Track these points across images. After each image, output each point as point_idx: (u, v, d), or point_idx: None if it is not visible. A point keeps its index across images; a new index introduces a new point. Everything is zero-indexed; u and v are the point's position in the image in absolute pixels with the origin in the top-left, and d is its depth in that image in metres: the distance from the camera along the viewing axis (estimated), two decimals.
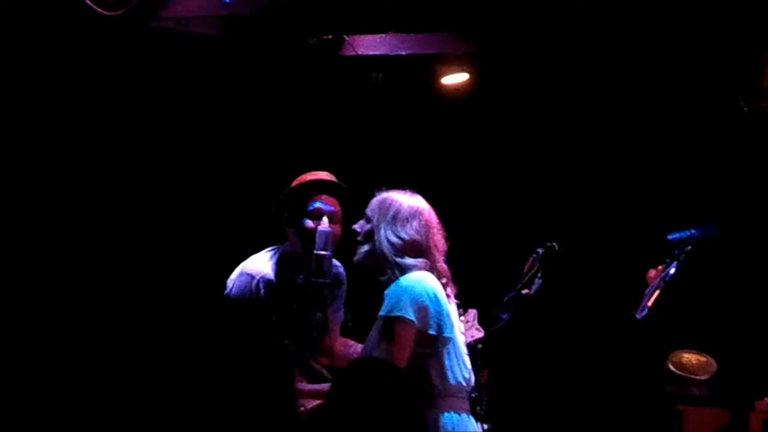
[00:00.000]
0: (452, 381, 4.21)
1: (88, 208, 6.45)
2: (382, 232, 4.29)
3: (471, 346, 4.55)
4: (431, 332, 4.18)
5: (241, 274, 4.84)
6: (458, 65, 6.70)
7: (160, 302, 6.38)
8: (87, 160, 6.45)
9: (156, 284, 6.44)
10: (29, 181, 6.30)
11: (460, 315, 4.59)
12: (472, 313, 4.62)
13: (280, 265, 4.82)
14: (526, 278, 4.97)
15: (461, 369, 4.27)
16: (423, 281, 4.21)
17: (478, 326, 4.58)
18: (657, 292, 5.34)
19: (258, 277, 4.80)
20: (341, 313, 4.83)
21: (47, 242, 6.34)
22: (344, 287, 4.86)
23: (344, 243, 4.67)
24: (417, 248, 4.28)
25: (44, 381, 6.33)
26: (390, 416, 4.03)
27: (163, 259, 6.49)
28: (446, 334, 4.22)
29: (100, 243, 6.46)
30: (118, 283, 6.47)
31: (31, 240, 6.31)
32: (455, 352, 4.25)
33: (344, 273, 4.84)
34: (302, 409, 4.51)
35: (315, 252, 4.66)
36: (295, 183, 4.86)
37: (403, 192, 4.40)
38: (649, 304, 5.34)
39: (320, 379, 4.68)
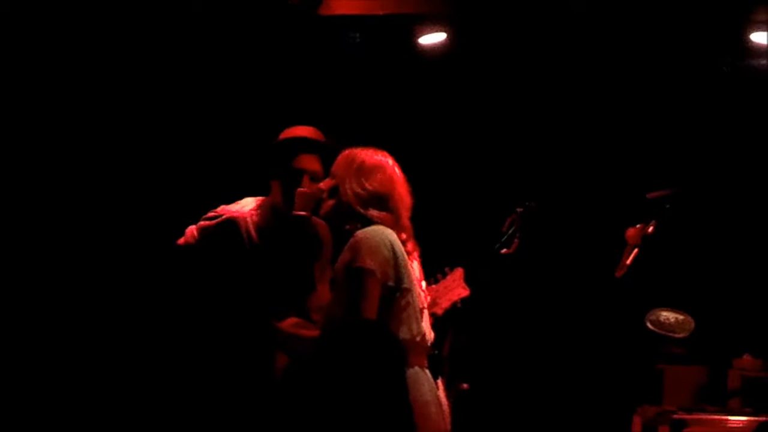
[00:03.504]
0: (408, 335, 4.21)
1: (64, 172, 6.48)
2: (347, 184, 4.32)
3: (455, 305, 4.56)
4: (389, 283, 4.19)
5: (221, 217, 4.83)
6: (436, 25, 6.67)
7: (141, 255, 6.41)
8: (61, 125, 6.47)
9: (139, 238, 6.46)
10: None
11: (446, 273, 4.61)
12: (459, 271, 4.62)
13: (261, 215, 4.83)
14: (505, 237, 4.98)
15: (417, 323, 4.27)
16: (380, 232, 4.22)
17: (464, 285, 4.59)
18: (635, 251, 5.38)
19: (230, 219, 4.80)
20: (329, 270, 4.83)
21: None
22: (330, 245, 4.85)
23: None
24: (382, 201, 4.31)
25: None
26: (373, 374, 4.07)
27: (146, 214, 6.50)
28: (404, 286, 4.22)
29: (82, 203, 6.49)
30: (101, 242, 6.50)
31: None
32: (412, 306, 4.25)
33: (328, 232, 4.83)
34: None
35: (294, 212, 4.67)
36: (280, 136, 4.85)
37: (367, 148, 4.41)
38: (628, 262, 5.37)
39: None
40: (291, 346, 4.51)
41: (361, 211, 4.29)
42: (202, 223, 4.86)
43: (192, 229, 4.86)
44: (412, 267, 4.32)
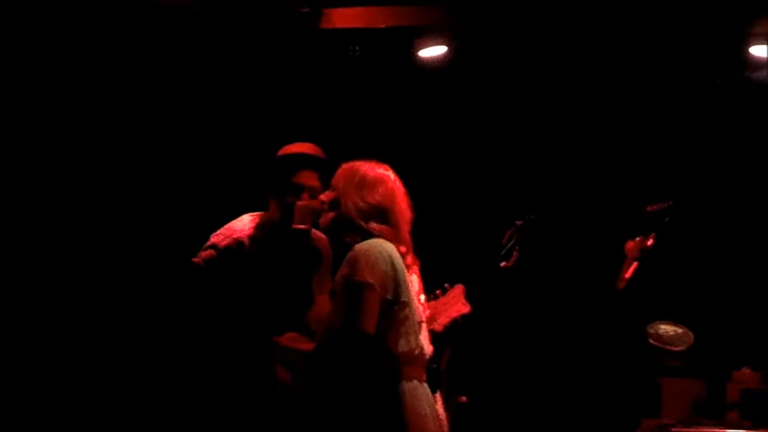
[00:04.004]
0: (406, 348, 4.22)
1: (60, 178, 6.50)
2: (348, 197, 4.33)
3: (455, 321, 4.56)
4: (388, 297, 4.19)
5: (222, 229, 4.85)
6: (436, 38, 6.69)
7: (141, 270, 6.42)
8: (57, 131, 6.48)
9: (137, 253, 6.47)
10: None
11: (446, 289, 4.61)
12: (459, 288, 4.62)
13: (259, 230, 4.84)
14: (505, 251, 4.99)
15: (416, 337, 4.28)
16: (379, 245, 4.23)
17: (464, 301, 4.59)
18: (635, 264, 5.39)
19: (232, 239, 4.81)
20: (328, 283, 4.84)
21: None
22: (329, 258, 4.86)
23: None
24: (382, 214, 4.32)
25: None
26: (367, 388, 4.08)
27: (144, 229, 6.51)
28: (403, 299, 4.23)
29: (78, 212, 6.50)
30: (100, 253, 6.51)
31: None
32: (411, 319, 4.26)
33: (328, 244, 4.84)
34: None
35: (293, 226, 4.69)
36: (279, 153, 4.87)
37: (368, 161, 4.42)
38: (627, 275, 5.38)
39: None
40: (289, 359, 4.53)
41: (362, 224, 4.30)
42: (213, 242, 4.85)
43: (207, 253, 4.85)
44: (411, 280, 4.34)
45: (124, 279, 6.48)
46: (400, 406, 4.12)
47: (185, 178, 6.62)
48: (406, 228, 4.38)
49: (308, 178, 4.79)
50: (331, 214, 4.38)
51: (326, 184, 4.57)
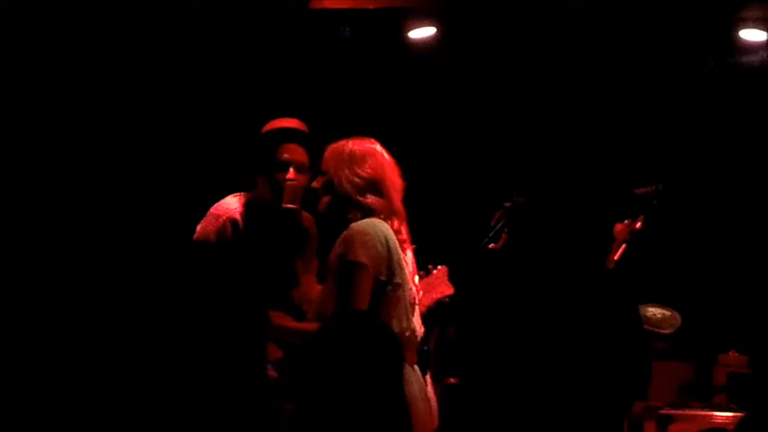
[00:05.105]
0: (397, 329, 4.21)
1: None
2: (342, 175, 4.32)
3: (440, 302, 4.57)
4: (381, 278, 4.20)
5: (207, 216, 4.82)
6: (426, 19, 6.68)
7: (131, 252, 6.40)
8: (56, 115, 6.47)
9: (127, 232, 6.45)
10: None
11: (431, 271, 4.61)
12: (443, 269, 4.63)
13: (247, 208, 4.81)
14: (493, 233, 5.00)
15: (408, 319, 4.28)
16: (375, 226, 4.24)
17: (448, 283, 4.60)
18: (623, 246, 5.40)
19: (224, 218, 4.78)
20: (315, 263, 4.83)
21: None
22: (315, 238, 4.85)
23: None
24: (377, 187, 4.32)
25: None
26: (371, 370, 4.07)
27: (135, 207, 6.49)
28: (396, 281, 4.23)
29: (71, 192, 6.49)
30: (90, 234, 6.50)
31: None
32: (403, 301, 4.26)
33: (314, 224, 4.83)
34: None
35: (283, 205, 4.67)
36: (264, 129, 4.84)
37: (353, 138, 4.43)
38: (615, 257, 5.40)
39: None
40: (278, 337, 4.53)
41: (360, 199, 4.29)
42: (205, 226, 4.82)
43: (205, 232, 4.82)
44: (405, 260, 4.33)
45: (109, 263, 6.46)
46: (402, 389, 4.12)
47: (172, 160, 6.59)
48: (398, 197, 4.38)
49: (294, 153, 4.73)
50: (327, 198, 4.37)
51: (312, 159, 4.56)
